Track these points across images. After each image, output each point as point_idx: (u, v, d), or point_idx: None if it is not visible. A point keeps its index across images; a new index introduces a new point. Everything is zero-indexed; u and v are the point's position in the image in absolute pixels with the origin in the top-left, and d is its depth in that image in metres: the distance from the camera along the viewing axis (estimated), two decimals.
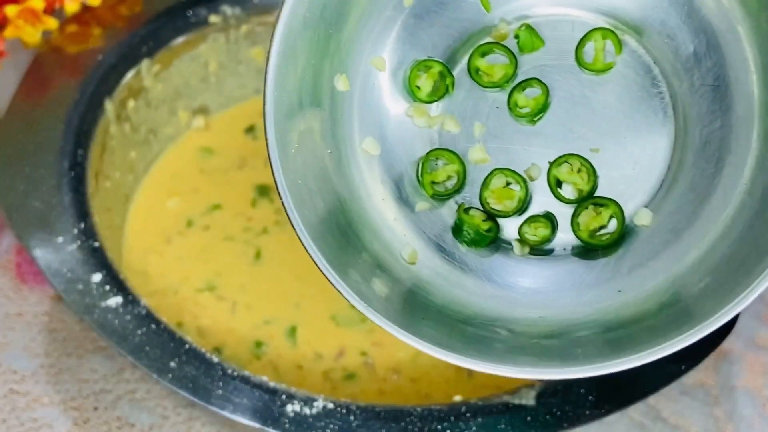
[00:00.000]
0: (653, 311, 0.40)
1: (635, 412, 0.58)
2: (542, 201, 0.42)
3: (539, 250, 0.43)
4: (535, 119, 0.42)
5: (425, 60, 0.43)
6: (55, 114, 0.57)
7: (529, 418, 0.48)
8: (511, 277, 0.42)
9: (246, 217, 0.63)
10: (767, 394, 0.60)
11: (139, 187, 0.64)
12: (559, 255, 0.43)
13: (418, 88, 0.43)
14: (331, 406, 0.48)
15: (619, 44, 0.42)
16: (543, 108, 0.42)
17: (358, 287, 0.39)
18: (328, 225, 0.40)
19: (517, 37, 0.43)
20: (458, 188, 0.43)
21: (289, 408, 0.48)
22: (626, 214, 0.42)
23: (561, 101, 0.42)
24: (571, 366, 0.38)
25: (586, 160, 0.42)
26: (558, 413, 0.48)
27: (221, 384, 0.48)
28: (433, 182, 0.43)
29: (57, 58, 0.60)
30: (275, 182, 0.39)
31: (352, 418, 0.48)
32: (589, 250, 0.42)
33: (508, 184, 0.42)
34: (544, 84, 0.42)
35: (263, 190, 0.64)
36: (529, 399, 0.49)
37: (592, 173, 0.42)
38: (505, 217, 0.42)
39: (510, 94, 0.43)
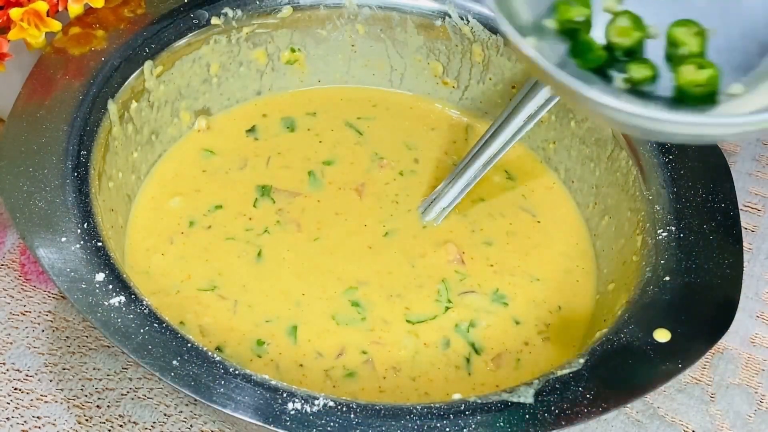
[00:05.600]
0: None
1: (633, 409, 0.59)
2: (651, 56, 0.47)
3: (637, 89, 0.47)
4: None
5: None
6: (58, 115, 0.58)
7: (527, 416, 0.48)
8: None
9: (247, 217, 0.63)
10: (763, 392, 0.60)
11: (141, 187, 0.64)
12: (652, 98, 0.47)
13: None
14: (331, 404, 0.48)
15: None
16: None
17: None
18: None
19: None
20: (584, 25, 0.47)
21: (290, 406, 0.48)
22: (723, 81, 0.46)
23: None
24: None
25: (703, 29, 0.46)
26: (556, 411, 0.48)
27: (223, 382, 0.48)
28: (565, 15, 0.47)
29: (61, 60, 0.60)
30: None
31: (352, 416, 0.48)
32: (680, 100, 0.46)
33: (631, 25, 0.47)
34: None
35: (264, 191, 0.64)
36: (527, 397, 0.49)
37: (705, 40, 0.46)
38: (619, 49, 0.47)
39: None
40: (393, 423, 0.48)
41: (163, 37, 0.63)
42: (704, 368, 0.61)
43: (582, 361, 0.51)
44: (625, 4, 0.48)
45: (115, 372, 0.58)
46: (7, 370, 0.57)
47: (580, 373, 0.50)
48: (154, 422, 0.56)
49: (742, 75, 0.46)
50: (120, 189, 0.61)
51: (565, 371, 0.50)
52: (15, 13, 0.60)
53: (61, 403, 0.56)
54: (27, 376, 0.57)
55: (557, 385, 0.49)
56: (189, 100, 0.66)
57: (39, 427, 0.55)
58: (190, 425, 0.56)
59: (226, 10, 0.65)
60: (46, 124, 0.57)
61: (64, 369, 0.58)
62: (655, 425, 0.58)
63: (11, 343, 0.58)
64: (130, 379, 0.57)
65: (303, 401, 0.48)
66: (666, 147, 0.60)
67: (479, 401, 0.49)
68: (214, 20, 0.65)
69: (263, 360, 0.56)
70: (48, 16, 0.61)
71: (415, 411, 0.48)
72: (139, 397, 0.57)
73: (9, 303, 0.60)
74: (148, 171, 0.65)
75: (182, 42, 0.64)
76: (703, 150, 0.60)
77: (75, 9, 0.62)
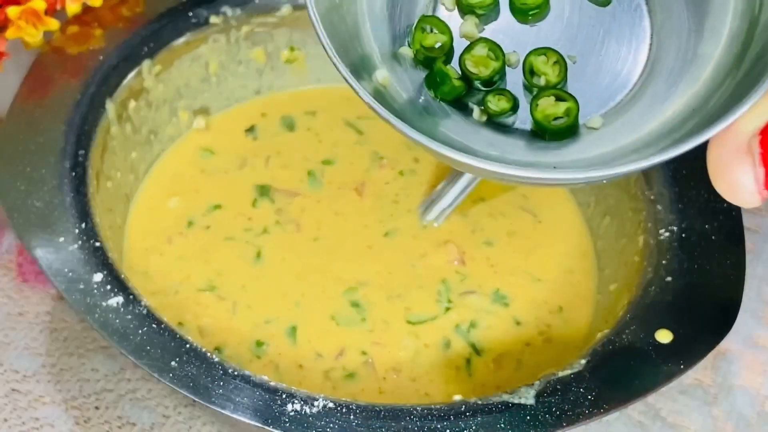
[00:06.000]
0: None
1: (634, 411, 0.58)
2: (511, 84, 0.46)
3: (495, 121, 0.45)
4: (530, 16, 0.46)
5: None
6: (56, 114, 0.57)
7: (528, 417, 0.48)
8: (465, 136, 0.45)
9: (246, 217, 0.63)
10: (765, 393, 0.60)
11: (140, 187, 0.64)
12: (511, 131, 0.46)
13: None
14: (331, 405, 0.48)
15: None
16: (539, 8, 0.46)
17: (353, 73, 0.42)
18: (336, 33, 0.44)
19: None
20: (440, 54, 0.45)
21: (289, 407, 0.48)
22: (581, 114, 0.45)
23: (556, 8, 0.46)
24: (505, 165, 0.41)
25: (562, 57, 0.45)
26: (557, 412, 0.48)
27: (222, 383, 0.48)
28: (422, 43, 0.45)
29: (58, 59, 0.60)
30: None
31: (352, 417, 0.48)
32: (539, 133, 0.45)
33: (488, 54, 0.45)
34: None
35: (264, 190, 0.64)
36: (528, 398, 0.49)
37: (564, 69, 0.45)
38: (476, 80, 0.45)
39: None
40: (393, 424, 0.47)
41: (162, 36, 0.63)
42: (706, 369, 0.61)
43: (583, 362, 0.51)
44: (485, 30, 0.46)
45: (113, 373, 0.57)
46: (5, 371, 0.57)
47: (581, 374, 0.50)
48: (152, 423, 0.56)
49: (602, 107, 0.45)
50: (118, 189, 0.61)
51: (567, 372, 0.50)
52: (12, 11, 0.60)
53: (60, 405, 0.56)
54: (25, 377, 0.57)
55: (558, 387, 0.49)
56: (188, 99, 0.66)
57: (37, 429, 0.55)
58: (189, 426, 0.56)
59: (225, 8, 0.65)
60: (44, 123, 0.57)
61: (62, 370, 0.57)
62: (656, 427, 0.58)
63: (9, 344, 0.58)
64: (129, 380, 0.57)
65: (302, 402, 0.48)
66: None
67: (480, 402, 0.49)
68: (213, 19, 0.65)
69: (262, 361, 0.56)
70: (46, 14, 0.61)
71: (415, 412, 0.48)
72: (137, 398, 0.56)
73: (6, 304, 0.60)
74: (147, 171, 0.65)
75: (181, 41, 0.64)
76: (704, 150, 0.60)
77: (73, 8, 0.62)
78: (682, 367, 0.50)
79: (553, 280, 0.61)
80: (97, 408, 0.56)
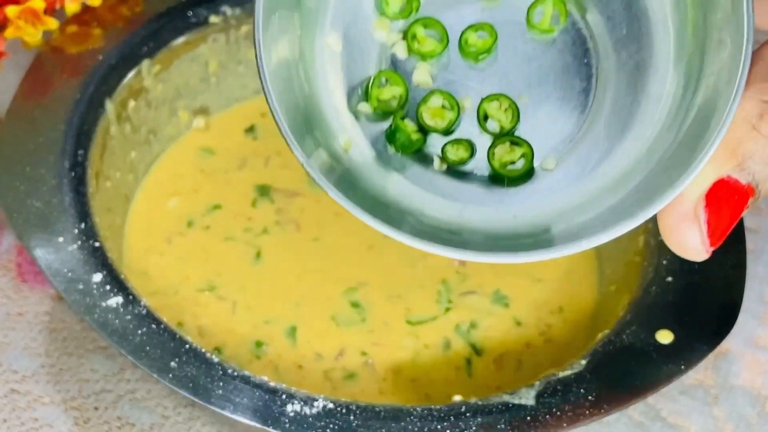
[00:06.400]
0: (526, 233, 0.46)
1: (635, 411, 0.58)
2: (467, 129, 0.47)
3: (455, 170, 0.47)
4: (479, 59, 0.47)
5: None
6: (55, 114, 0.57)
7: (528, 418, 0.48)
8: (426, 186, 0.47)
9: (246, 217, 0.63)
10: (766, 394, 0.60)
11: (139, 187, 0.64)
12: (471, 178, 0.47)
13: (388, 4, 0.47)
14: (331, 405, 0.48)
15: (566, 14, 0.47)
16: (488, 50, 0.47)
17: (309, 153, 0.44)
18: (293, 103, 0.45)
19: None
20: (398, 109, 0.47)
21: (289, 408, 0.48)
22: (535, 156, 0.46)
23: (504, 49, 0.47)
24: (462, 250, 0.43)
25: (514, 103, 0.46)
26: (557, 413, 0.48)
27: (221, 384, 0.48)
28: (378, 98, 0.47)
29: (58, 59, 0.60)
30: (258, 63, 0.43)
31: (352, 417, 0.48)
32: (497, 179, 0.47)
33: (443, 105, 0.46)
34: (495, 30, 0.47)
35: (263, 190, 0.64)
36: (528, 399, 0.49)
37: (516, 115, 0.46)
38: (433, 132, 0.47)
39: (463, 33, 0.47)
40: (393, 425, 0.47)
41: (161, 35, 0.63)
42: (707, 370, 0.61)
43: (584, 362, 0.51)
44: (438, 77, 0.47)
45: (113, 373, 0.57)
46: (4, 371, 0.57)
47: (581, 375, 0.50)
48: (152, 424, 0.55)
49: (555, 146, 0.47)
50: (118, 189, 0.61)
51: (567, 373, 0.50)
52: (12, 11, 0.60)
53: (59, 405, 0.56)
54: (24, 377, 0.57)
55: (559, 387, 0.49)
56: (187, 99, 0.66)
57: (36, 429, 0.55)
58: (189, 427, 0.56)
59: (225, 8, 0.65)
60: (43, 123, 0.57)
61: (61, 370, 0.57)
62: (657, 427, 0.58)
63: (8, 345, 0.58)
64: (128, 380, 0.57)
65: (302, 403, 0.48)
66: None
67: (480, 403, 0.49)
68: (213, 18, 0.65)
69: (262, 361, 0.56)
70: (45, 14, 0.61)
71: (415, 413, 0.48)
72: (137, 399, 0.56)
73: (6, 304, 0.60)
74: (146, 171, 0.64)
75: (180, 40, 0.64)
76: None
77: (72, 7, 0.62)
78: (682, 367, 0.50)
79: (553, 280, 0.61)
80: (96, 408, 0.56)
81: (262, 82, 0.43)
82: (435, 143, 0.47)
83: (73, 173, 0.55)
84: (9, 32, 0.60)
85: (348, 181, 0.46)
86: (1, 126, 0.57)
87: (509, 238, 0.45)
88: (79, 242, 0.53)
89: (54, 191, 0.54)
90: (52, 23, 0.61)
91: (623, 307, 0.54)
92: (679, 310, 0.53)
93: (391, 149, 0.47)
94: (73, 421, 0.56)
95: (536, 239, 0.45)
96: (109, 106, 0.60)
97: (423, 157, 0.47)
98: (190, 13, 0.64)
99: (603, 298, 0.60)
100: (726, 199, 0.42)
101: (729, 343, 0.62)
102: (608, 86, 0.47)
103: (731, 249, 0.55)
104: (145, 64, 0.62)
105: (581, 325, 0.59)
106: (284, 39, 0.45)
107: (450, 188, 0.47)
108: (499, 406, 0.48)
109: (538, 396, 0.49)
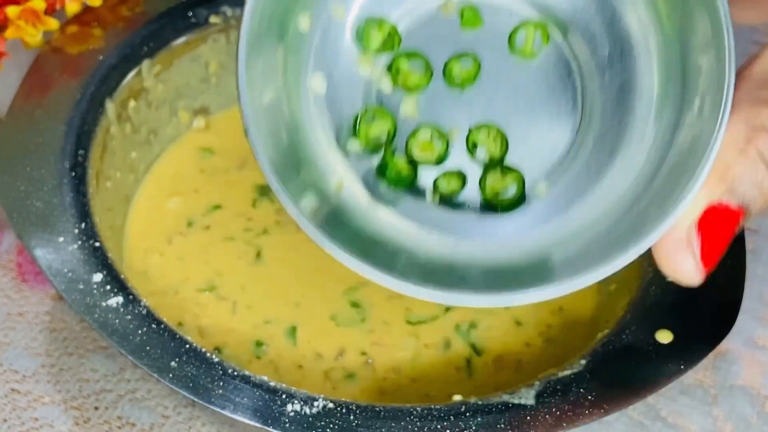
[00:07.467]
0: (525, 265, 0.46)
1: (634, 411, 0.58)
2: (457, 158, 0.48)
3: (448, 200, 0.47)
4: (464, 88, 0.47)
5: (380, 17, 0.48)
6: (56, 114, 0.57)
7: (528, 418, 0.48)
8: (419, 219, 0.47)
9: (246, 218, 0.63)
10: (766, 394, 0.60)
11: (139, 187, 0.64)
12: (463, 208, 0.48)
13: (369, 39, 0.47)
14: (331, 405, 0.48)
15: (547, 37, 0.47)
16: (473, 79, 0.47)
17: (294, 198, 0.45)
18: (279, 145, 0.45)
19: (461, 13, 0.48)
20: (387, 144, 0.47)
21: (289, 407, 0.48)
22: (527, 181, 0.47)
23: (489, 76, 0.48)
24: (458, 292, 0.44)
25: (502, 131, 0.47)
26: (557, 413, 0.48)
27: (222, 383, 0.48)
28: (368, 135, 0.47)
29: (58, 59, 0.60)
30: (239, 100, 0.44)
31: (352, 417, 0.48)
32: (490, 207, 0.47)
33: (432, 138, 0.47)
34: (478, 59, 0.47)
35: (264, 191, 0.64)
36: (528, 398, 0.49)
37: (505, 142, 0.47)
38: (424, 164, 0.47)
39: (446, 62, 0.48)
40: (393, 425, 0.47)
41: (162, 35, 0.63)
42: (707, 370, 0.61)
43: (583, 362, 0.51)
44: (425, 108, 0.47)
45: (113, 373, 0.57)
46: (5, 371, 0.57)
47: (581, 375, 0.50)
48: (152, 424, 0.55)
49: (546, 171, 0.47)
50: (118, 189, 0.61)
51: (567, 372, 0.50)
52: (12, 11, 0.60)
53: (59, 405, 0.56)
54: (24, 377, 0.57)
55: (558, 387, 0.49)
56: (187, 99, 0.66)
57: (36, 429, 0.55)
58: (189, 427, 0.56)
59: (225, 8, 0.65)
60: (44, 123, 0.57)
61: (61, 370, 0.57)
62: (657, 427, 0.58)
63: (8, 345, 0.58)
64: (128, 380, 0.57)
65: (302, 403, 0.48)
66: None
67: (480, 403, 0.49)
68: (213, 19, 0.65)
69: (262, 361, 0.56)
70: (45, 14, 0.61)
71: (415, 412, 0.48)
72: (137, 399, 0.56)
73: (6, 304, 0.60)
74: (146, 171, 0.64)
75: (181, 41, 0.64)
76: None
77: (72, 7, 0.62)
78: (682, 367, 0.50)
79: None
80: (96, 408, 0.56)
81: (244, 125, 0.44)
82: (426, 175, 0.47)
83: (73, 173, 0.55)
84: (9, 32, 0.60)
85: (337, 221, 0.46)
86: (2, 126, 0.57)
87: (508, 272, 0.46)
88: (80, 242, 0.53)
89: (54, 191, 0.54)
90: (53, 23, 0.61)
91: (623, 306, 0.54)
92: (679, 310, 0.53)
93: (383, 184, 0.47)
94: (73, 420, 0.56)
95: (536, 271, 0.45)
96: (110, 106, 0.60)
97: (415, 191, 0.47)
98: (191, 13, 0.64)
99: (603, 297, 0.60)
100: (718, 223, 0.43)
101: (729, 343, 0.62)
102: (595, 108, 0.47)
103: (731, 249, 0.55)
104: (146, 64, 0.62)
105: (581, 325, 0.59)
106: (269, 81, 0.46)
107: (443, 220, 0.47)
108: (499, 406, 0.48)
109: (538, 396, 0.49)
